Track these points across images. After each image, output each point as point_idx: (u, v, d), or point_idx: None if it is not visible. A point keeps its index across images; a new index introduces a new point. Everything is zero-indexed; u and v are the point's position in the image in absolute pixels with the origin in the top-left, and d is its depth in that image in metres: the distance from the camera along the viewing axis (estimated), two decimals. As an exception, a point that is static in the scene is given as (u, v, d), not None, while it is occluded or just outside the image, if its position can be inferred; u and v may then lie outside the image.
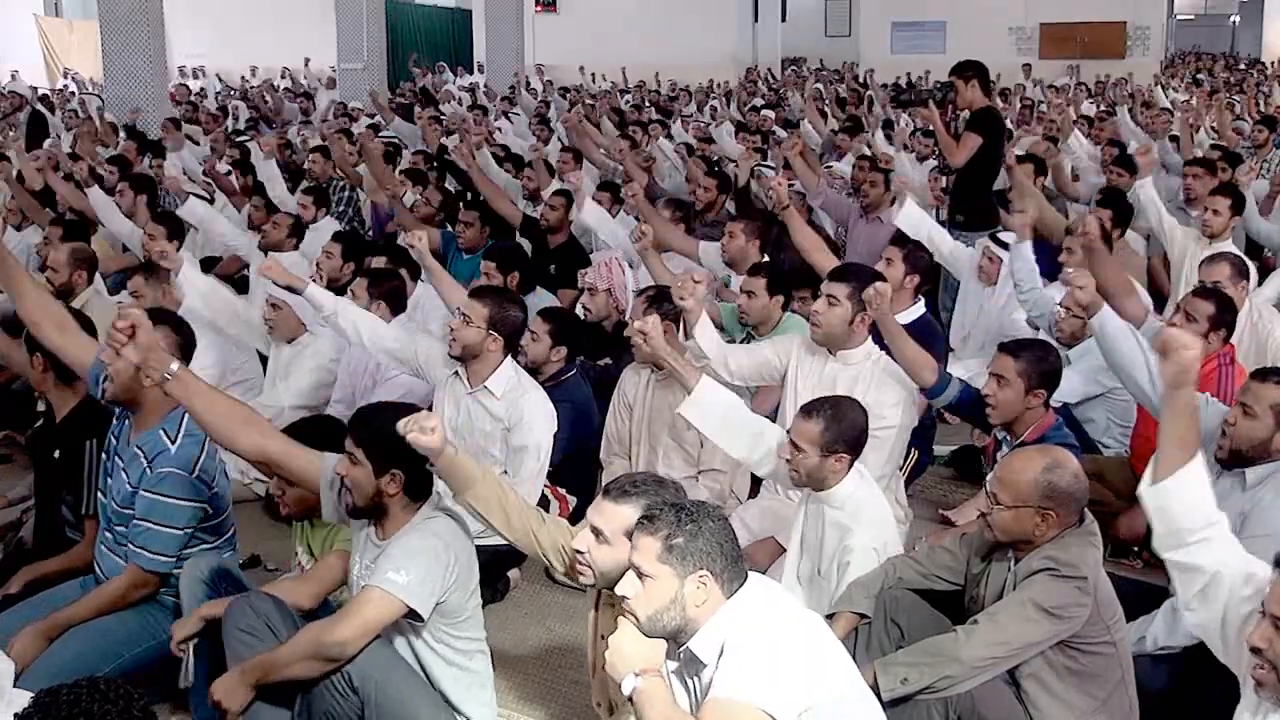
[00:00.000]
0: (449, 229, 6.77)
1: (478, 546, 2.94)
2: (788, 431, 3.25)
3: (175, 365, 2.80)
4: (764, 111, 12.61)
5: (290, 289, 4.43)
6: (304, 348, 5.07)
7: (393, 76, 18.70)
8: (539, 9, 23.46)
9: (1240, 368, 4.10)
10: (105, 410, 3.44)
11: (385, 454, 2.70)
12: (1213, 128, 10.26)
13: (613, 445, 4.37)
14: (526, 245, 6.43)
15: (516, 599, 3.94)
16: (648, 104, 15.66)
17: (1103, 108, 13.63)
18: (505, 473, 3.92)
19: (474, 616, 2.92)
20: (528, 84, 17.97)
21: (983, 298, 5.68)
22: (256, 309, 5.27)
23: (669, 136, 10.61)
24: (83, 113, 13.28)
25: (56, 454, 3.57)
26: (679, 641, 2.29)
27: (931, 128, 7.89)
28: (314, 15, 19.95)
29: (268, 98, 16.43)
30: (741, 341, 4.65)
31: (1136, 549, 4.01)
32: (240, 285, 6.66)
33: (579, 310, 5.65)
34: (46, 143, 9.91)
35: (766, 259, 5.31)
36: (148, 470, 3.16)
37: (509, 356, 4.00)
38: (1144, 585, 3.47)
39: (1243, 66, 24.16)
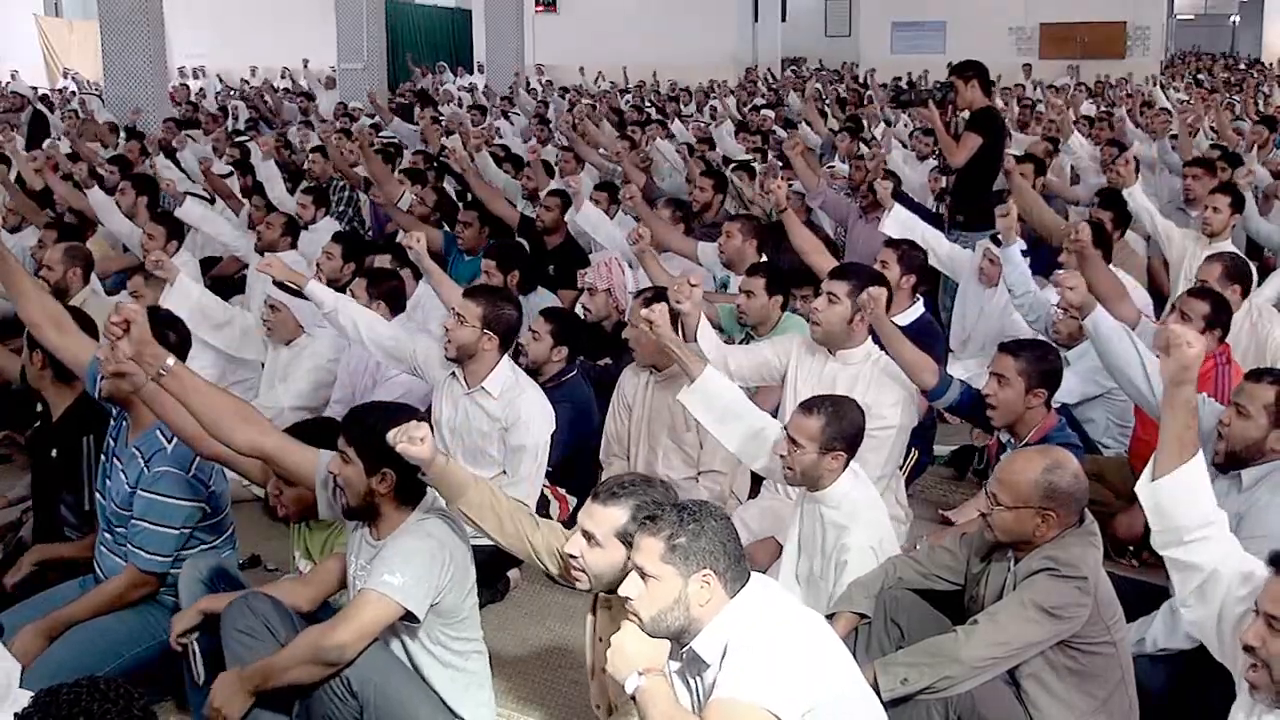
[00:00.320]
0: (450, 230, 6.78)
1: (476, 547, 2.94)
2: (785, 427, 3.25)
3: (171, 360, 2.80)
4: (764, 111, 12.62)
5: (291, 285, 4.43)
6: (302, 349, 5.07)
7: (392, 77, 18.71)
8: (539, 9, 23.46)
9: (1237, 367, 4.10)
10: (102, 408, 3.45)
11: (376, 454, 2.69)
12: (1212, 128, 10.26)
13: (612, 446, 4.37)
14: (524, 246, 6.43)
15: (516, 599, 3.94)
16: (648, 104, 15.67)
17: (1103, 108, 13.63)
18: (503, 472, 3.92)
19: (471, 617, 2.92)
20: (527, 84, 17.98)
21: (983, 299, 5.68)
22: (254, 310, 5.27)
23: (669, 137, 10.61)
24: (83, 113, 13.27)
25: (54, 453, 3.57)
26: (682, 642, 2.29)
27: (931, 127, 7.89)
28: (314, 15, 19.96)
29: (267, 98, 16.43)
30: (740, 342, 4.65)
31: (1134, 549, 4.01)
32: (240, 286, 6.66)
33: (578, 310, 5.65)
34: (46, 143, 9.91)
35: (764, 259, 5.31)
36: (145, 470, 3.17)
37: (506, 356, 4.00)
38: (1144, 585, 3.47)
39: (1243, 66, 24.17)
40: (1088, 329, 3.73)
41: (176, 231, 6.20)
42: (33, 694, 2.00)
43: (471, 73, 21.82)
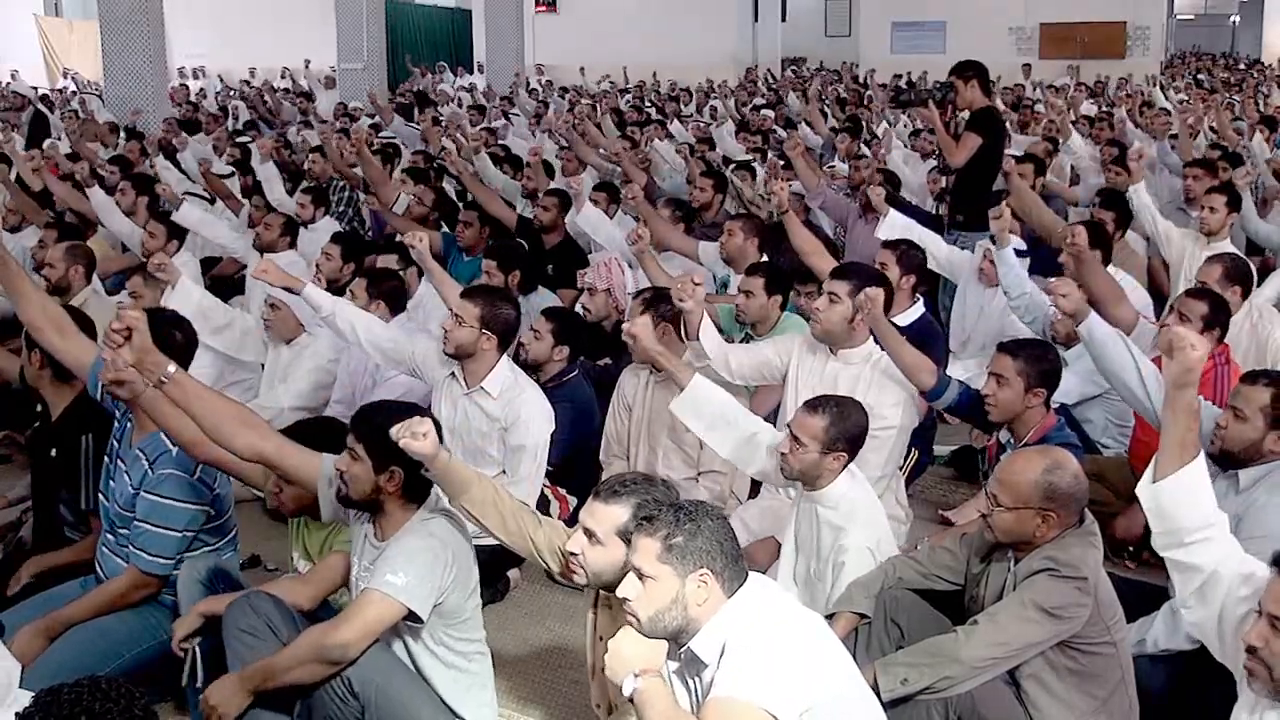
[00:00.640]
0: (449, 231, 6.78)
1: (477, 546, 2.94)
2: (789, 425, 3.25)
3: (172, 368, 2.81)
4: (764, 111, 12.62)
5: (288, 290, 4.43)
6: (302, 349, 5.07)
7: (392, 77, 18.71)
8: (539, 9, 23.45)
9: (1236, 367, 4.10)
10: (102, 408, 3.45)
11: (385, 451, 2.70)
12: (1211, 128, 10.26)
13: (612, 446, 4.37)
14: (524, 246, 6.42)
15: (516, 599, 3.94)
16: (648, 103, 15.66)
17: (1103, 108, 13.62)
18: (503, 472, 3.92)
19: (473, 618, 2.92)
20: (527, 84, 17.98)
21: (983, 299, 5.67)
22: (254, 311, 5.26)
23: (669, 137, 10.61)
24: (83, 112, 13.28)
25: (54, 453, 3.57)
26: (680, 642, 2.29)
27: (932, 127, 7.89)
28: (314, 15, 19.95)
29: (266, 98, 16.43)
30: (740, 342, 4.65)
31: (1134, 549, 4.01)
32: (239, 286, 6.66)
33: (578, 310, 5.65)
34: (46, 143, 9.90)
35: (765, 258, 5.32)
36: (149, 472, 3.17)
37: (505, 356, 4.00)
38: (1144, 586, 3.47)
39: (1242, 67, 24.17)
40: (1082, 335, 3.72)
41: (177, 231, 6.21)
42: (33, 694, 2.00)
43: (471, 73, 21.82)
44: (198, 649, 2.90)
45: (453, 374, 4.02)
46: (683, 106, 15.04)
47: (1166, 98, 14.35)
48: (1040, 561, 2.73)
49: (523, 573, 4.00)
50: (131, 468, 3.21)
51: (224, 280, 6.88)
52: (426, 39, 23.56)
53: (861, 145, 9.27)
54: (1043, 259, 5.56)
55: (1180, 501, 2.35)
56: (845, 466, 3.18)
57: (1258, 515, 3.15)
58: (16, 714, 1.94)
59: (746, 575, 2.32)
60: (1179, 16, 31.03)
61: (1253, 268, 5.00)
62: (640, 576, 2.25)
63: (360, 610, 2.71)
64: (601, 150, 9.08)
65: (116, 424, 3.34)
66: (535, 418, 3.92)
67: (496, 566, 3.77)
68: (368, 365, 4.82)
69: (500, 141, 10.50)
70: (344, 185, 8.20)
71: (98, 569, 3.33)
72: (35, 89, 18.71)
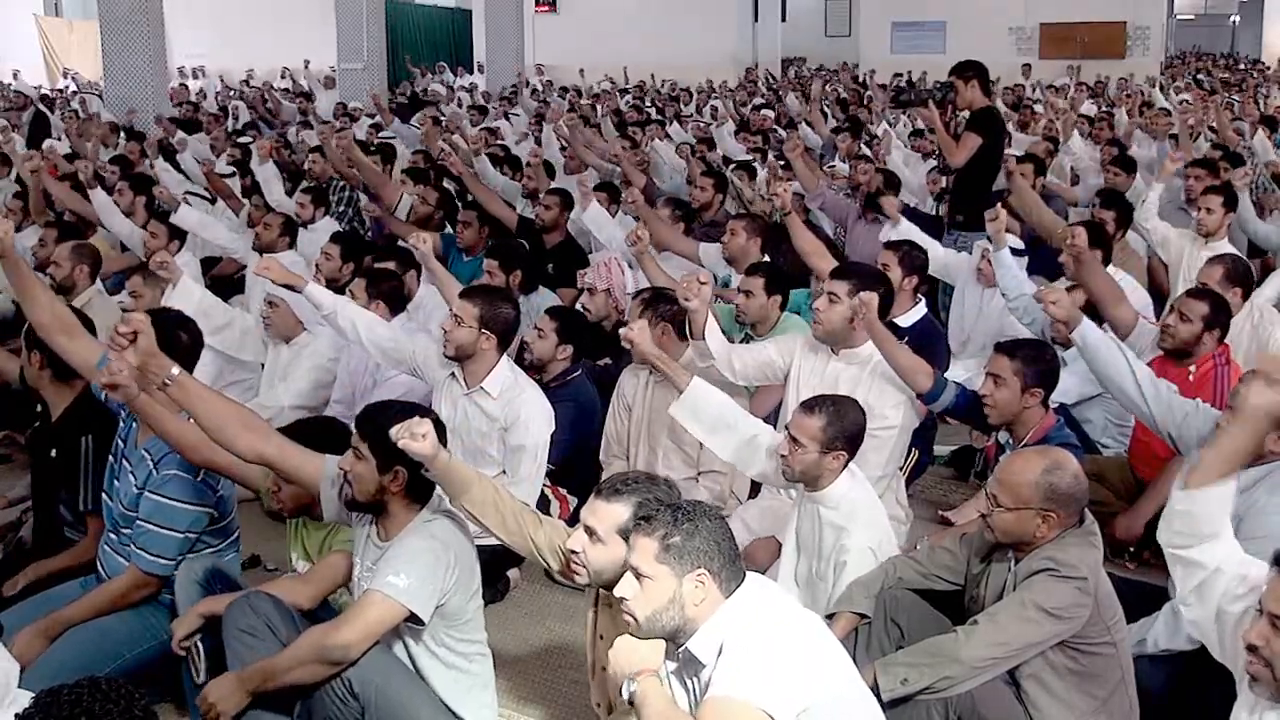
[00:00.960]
0: (449, 231, 6.78)
1: (477, 547, 2.94)
2: (787, 426, 3.25)
3: (175, 370, 2.82)
4: (764, 111, 12.62)
5: (289, 288, 4.43)
6: (302, 348, 5.07)
7: (392, 77, 18.70)
8: (539, 9, 23.45)
9: (1236, 368, 4.09)
10: (101, 407, 3.45)
11: (390, 451, 2.70)
12: (1211, 128, 10.26)
13: (612, 446, 4.37)
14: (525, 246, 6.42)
15: (516, 599, 3.94)
16: (648, 104, 15.66)
17: (1103, 108, 13.62)
18: (504, 472, 3.92)
19: (475, 619, 2.92)
20: (527, 84, 17.98)
21: (982, 300, 5.68)
22: (254, 310, 5.26)
23: (668, 137, 10.60)
24: (83, 112, 13.27)
25: (54, 453, 3.57)
26: (678, 642, 2.29)
27: (932, 128, 7.89)
28: (314, 15, 19.95)
29: (266, 98, 16.43)
30: (740, 342, 4.65)
31: (1133, 549, 4.01)
32: (239, 286, 6.66)
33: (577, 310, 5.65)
34: (46, 143, 9.90)
35: (766, 258, 5.32)
36: (154, 472, 3.17)
37: (505, 356, 4.00)
38: (1144, 586, 3.47)
39: (1242, 67, 24.17)
40: (1076, 341, 3.70)
41: (178, 231, 6.21)
42: (33, 694, 2.00)
43: (471, 72, 21.82)
44: (198, 648, 2.90)
45: (453, 374, 4.02)
46: (683, 107, 15.04)
47: (1166, 98, 14.35)
48: (1040, 562, 2.73)
49: (523, 573, 4.00)
50: (136, 468, 3.21)
51: (224, 280, 6.88)
52: (426, 39, 23.55)
53: (862, 145, 9.27)
54: (1043, 259, 5.57)
55: (1214, 511, 2.36)
56: (845, 465, 3.18)
57: (1258, 516, 3.15)
58: (16, 715, 1.94)
59: (744, 576, 2.32)
60: (1179, 16, 31.04)
61: (1253, 269, 5.00)
62: (638, 576, 2.25)
63: (362, 611, 2.71)
64: (599, 151, 9.07)
65: (122, 424, 3.35)
66: (535, 418, 3.92)
67: (497, 566, 3.77)
68: (368, 365, 4.82)
69: (500, 141, 10.50)
70: (344, 185, 8.20)
71: (100, 568, 3.33)
72: (38, 88, 18.72)
